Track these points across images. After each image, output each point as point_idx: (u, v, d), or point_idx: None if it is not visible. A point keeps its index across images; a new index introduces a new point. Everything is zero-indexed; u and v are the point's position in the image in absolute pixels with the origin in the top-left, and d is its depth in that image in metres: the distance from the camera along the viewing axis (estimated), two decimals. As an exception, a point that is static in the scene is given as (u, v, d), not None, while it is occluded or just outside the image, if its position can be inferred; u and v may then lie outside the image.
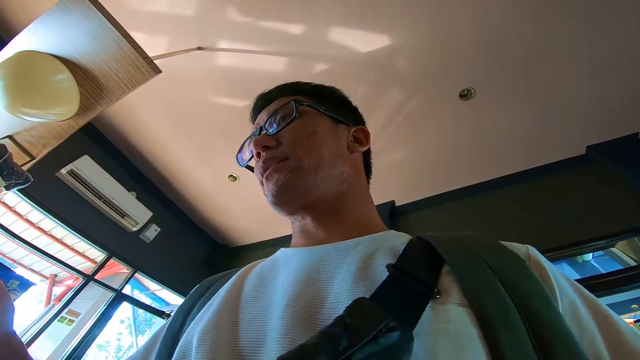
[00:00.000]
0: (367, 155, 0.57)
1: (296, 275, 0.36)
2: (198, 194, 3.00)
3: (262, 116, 0.52)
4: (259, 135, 0.49)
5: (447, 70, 1.90)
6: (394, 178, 2.52)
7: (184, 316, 0.41)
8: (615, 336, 0.29)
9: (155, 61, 1.66)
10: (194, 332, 0.35)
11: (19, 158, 1.40)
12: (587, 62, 1.79)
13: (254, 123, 0.56)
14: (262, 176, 0.46)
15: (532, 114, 2.04)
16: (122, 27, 1.16)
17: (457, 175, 2.46)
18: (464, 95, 1.96)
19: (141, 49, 1.15)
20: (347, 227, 0.44)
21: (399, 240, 0.38)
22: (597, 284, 1.85)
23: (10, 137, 1.41)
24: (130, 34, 1.89)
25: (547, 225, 2.05)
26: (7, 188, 1.30)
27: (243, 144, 0.54)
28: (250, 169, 0.54)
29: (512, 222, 2.19)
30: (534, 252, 0.35)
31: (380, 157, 2.42)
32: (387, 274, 0.31)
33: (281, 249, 0.46)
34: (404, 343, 0.23)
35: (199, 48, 1.97)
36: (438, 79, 1.94)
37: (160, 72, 1.12)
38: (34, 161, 1.45)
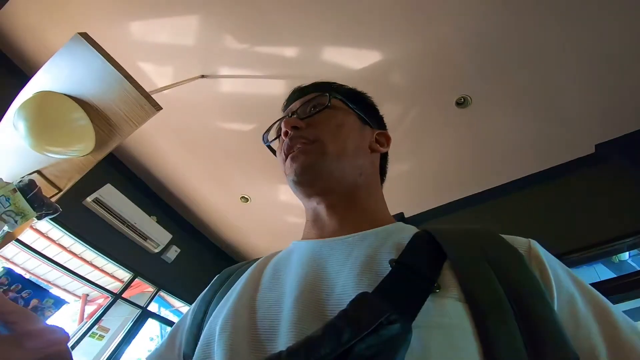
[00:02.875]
0: (384, 159, 0.59)
1: (307, 268, 0.38)
2: (213, 216, 3.15)
3: (296, 104, 0.55)
4: (290, 117, 0.52)
5: (442, 80, 1.92)
6: (400, 190, 2.54)
7: (206, 305, 0.44)
8: (612, 331, 0.29)
9: (162, 92, 1.81)
10: (216, 321, 0.37)
11: (47, 190, 1.57)
12: (589, 58, 1.73)
13: (284, 112, 0.59)
14: (287, 155, 0.48)
15: (534, 115, 2.01)
16: (123, 69, 1.24)
17: (464, 183, 2.44)
18: (461, 103, 1.97)
19: (142, 88, 1.24)
20: (358, 219, 0.45)
21: (404, 234, 0.39)
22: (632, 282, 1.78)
23: (38, 171, 1.58)
24: (137, 65, 2.09)
25: (564, 227, 2.00)
26: (39, 218, 1.46)
27: (272, 125, 0.57)
28: (272, 150, 0.57)
29: (526, 226, 2.13)
30: (535, 245, 0.35)
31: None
32: (390, 268, 0.32)
33: (294, 241, 0.48)
34: (403, 335, 0.24)
35: (202, 76, 2.10)
36: (433, 89, 1.97)
37: (161, 108, 1.23)
38: (61, 193, 1.61)
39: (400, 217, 2.64)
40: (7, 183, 1.35)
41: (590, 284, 0.34)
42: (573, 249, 1.91)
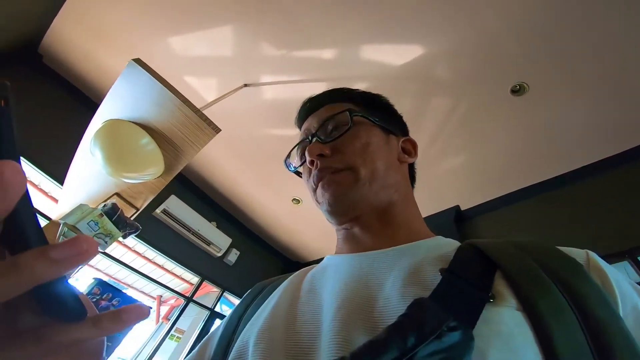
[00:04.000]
0: (412, 164, 0.56)
1: (346, 280, 0.37)
2: (268, 218, 3.27)
3: (312, 122, 0.51)
4: (310, 142, 0.49)
5: (492, 69, 1.78)
6: (455, 183, 2.41)
7: (238, 319, 0.43)
8: None
9: (210, 106, 1.88)
10: (250, 333, 0.36)
11: (127, 210, 1.73)
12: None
13: (300, 127, 0.56)
14: (316, 184, 0.46)
15: (600, 99, 1.78)
16: (180, 93, 1.26)
17: (525, 172, 2.25)
18: (517, 90, 1.81)
19: (200, 111, 1.28)
20: (395, 234, 0.44)
21: (447, 247, 0.38)
22: None
23: (117, 194, 1.75)
24: (184, 80, 2.19)
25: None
26: (124, 237, 1.63)
27: (291, 150, 0.54)
28: (299, 174, 0.55)
29: (597, 218, 1.91)
30: (593, 256, 0.34)
31: (437, 164, 2.34)
32: (438, 279, 0.31)
33: (327, 256, 0.47)
34: (465, 342, 0.23)
35: (245, 85, 2.17)
36: (484, 79, 1.83)
37: (219, 130, 1.27)
38: (138, 212, 1.77)
39: (456, 211, 2.51)
40: (94, 209, 1.52)
41: None
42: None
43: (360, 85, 2.02)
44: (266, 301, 0.43)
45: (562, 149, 2.06)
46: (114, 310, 0.20)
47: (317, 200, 0.47)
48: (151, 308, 2.36)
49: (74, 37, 2.25)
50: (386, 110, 0.55)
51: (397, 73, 1.91)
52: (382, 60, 1.89)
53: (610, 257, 1.67)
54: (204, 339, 0.47)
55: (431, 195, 2.55)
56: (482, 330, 0.25)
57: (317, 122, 0.50)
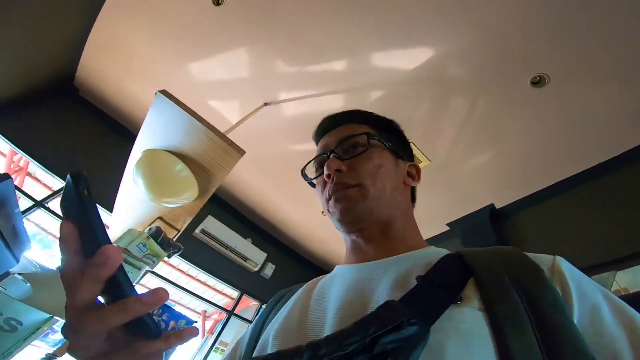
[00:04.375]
0: (414, 187, 0.62)
1: (347, 287, 0.44)
2: (299, 231, 3.36)
3: (331, 140, 0.57)
4: (328, 156, 0.55)
5: (508, 62, 1.74)
6: (485, 182, 2.34)
7: (262, 322, 0.51)
8: (638, 337, 0.31)
9: (235, 128, 2.00)
10: (270, 331, 0.44)
11: (169, 232, 1.89)
12: None
13: (317, 142, 0.62)
14: (330, 196, 0.52)
15: (627, 83, 1.67)
16: (205, 120, 1.34)
17: (557, 166, 2.13)
18: (537, 82, 1.74)
19: (225, 136, 1.38)
20: (394, 246, 0.50)
21: (435, 256, 0.42)
22: None
23: (160, 218, 1.92)
24: (207, 105, 2.34)
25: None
26: (169, 257, 1.78)
27: (308, 162, 0.61)
28: (312, 184, 0.61)
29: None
30: (559, 262, 0.37)
31: (464, 164, 2.30)
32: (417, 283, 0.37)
33: (337, 266, 0.54)
34: (420, 335, 0.28)
35: (265, 104, 2.27)
36: (501, 73, 1.79)
37: (244, 152, 1.37)
38: (179, 233, 1.93)
39: (491, 209, 2.43)
40: (141, 232, 1.68)
41: None
42: None
43: (376, 93, 2.08)
44: (284, 306, 0.51)
45: (595, 137, 1.94)
46: (178, 330, 0.30)
47: (328, 210, 0.53)
48: (196, 322, 2.51)
49: (104, 70, 2.49)
50: (398, 136, 0.61)
51: (410, 77, 1.92)
52: (394, 66, 1.92)
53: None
54: (235, 342, 0.54)
55: (462, 196, 2.49)
56: (444, 326, 0.30)
57: (336, 139, 0.56)
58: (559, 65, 1.68)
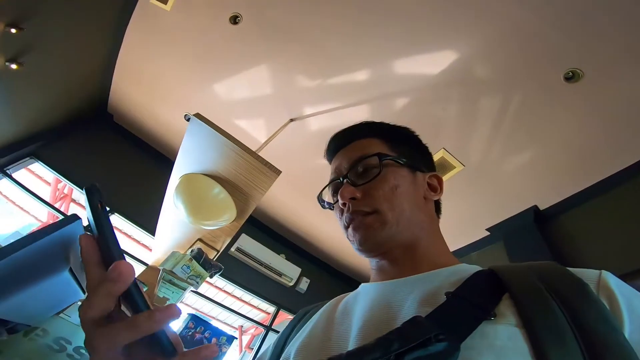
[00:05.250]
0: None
1: (372, 303, 0.42)
2: (331, 244, 3.35)
3: (342, 162, 0.55)
4: (341, 182, 0.53)
5: (538, 60, 1.67)
6: (525, 183, 2.23)
7: (285, 338, 0.51)
8: None
9: (264, 146, 2.03)
10: (292, 348, 0.44)
11: (209, 253, 1.95)
12: None
13: (330, 161, 0.61)
14: (348, 225, 0.51)
15: None
16: (239, 141, 1.35)
17: (603, 162, 1.98)
18: (571, 77, 1.66)
19: (260, 157, 1.39)
20: (419, 264, 0.48)
21: (465, 273, 0.41)
22: None
23: (200, 239, 1.99)
24: (235, 124, 2.38)
25: None
26: (211, 277, 1.83)
27: (323, 188, 0.59)
28: (331, 208, 0.59)
29: None
30: (606, 276, 0.34)
31: (501, 166, 2.20)
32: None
33: (362, 284, 0.52)
34: (449, 352, 0.26)
35: (291, 120, 2.29)
36: (531, 71, 1.72)
37: (280, 172, 1.39)
38: (219, 253, 1.98)
39: (534, 211, 2.30)
40: (184, 255, 1.75)
41: None
42: None
43: (402, 100, 2.06)
44: (307, 323, 0.50)
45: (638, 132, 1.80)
46: (195, 349, 0.29)
47: (348, 238, 0.52)
48: (236, 338, 2.54)
49: (135, 96, 2.63)
50: (413, 144, 0.58)
51: (436, 81, 1.89)
52: (418, 72, 1.89)
53: None
54: (257, 356, 0.54)
55: (500, 199, 2.38)
56: (476, 344, 0.29)
57: (348, 162, 0.54)
58: (590, 57, 1.59)
